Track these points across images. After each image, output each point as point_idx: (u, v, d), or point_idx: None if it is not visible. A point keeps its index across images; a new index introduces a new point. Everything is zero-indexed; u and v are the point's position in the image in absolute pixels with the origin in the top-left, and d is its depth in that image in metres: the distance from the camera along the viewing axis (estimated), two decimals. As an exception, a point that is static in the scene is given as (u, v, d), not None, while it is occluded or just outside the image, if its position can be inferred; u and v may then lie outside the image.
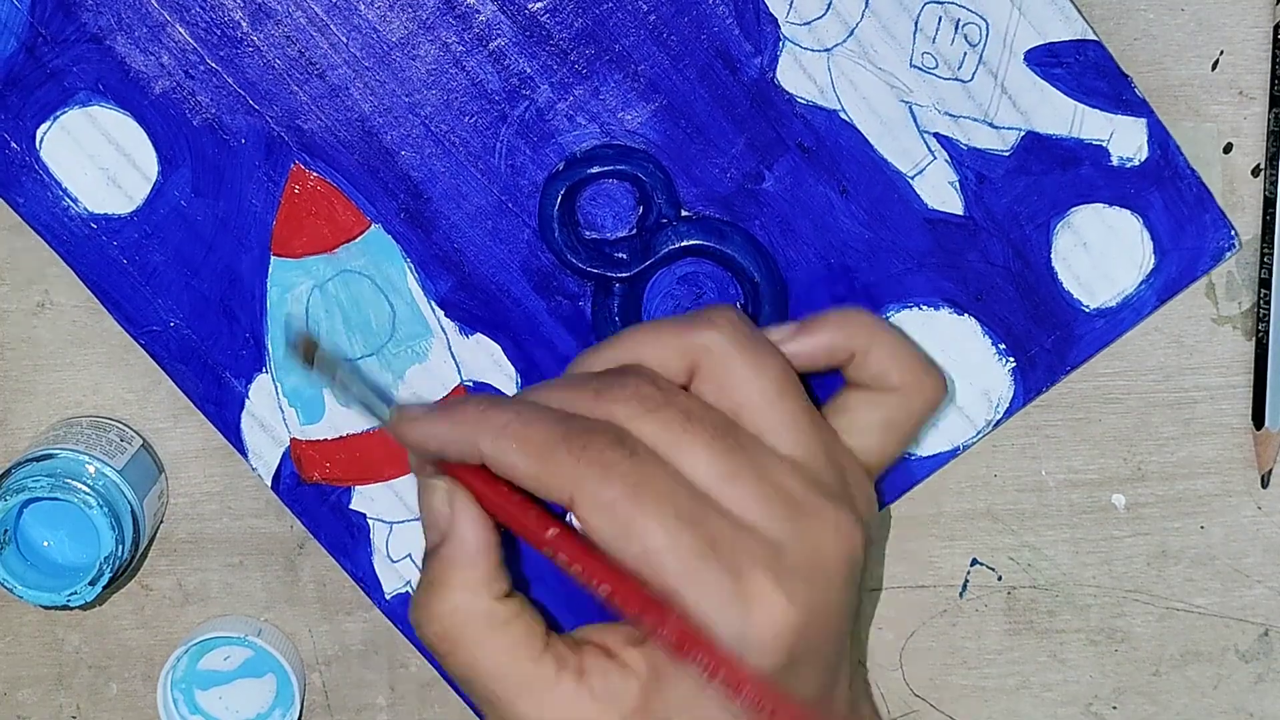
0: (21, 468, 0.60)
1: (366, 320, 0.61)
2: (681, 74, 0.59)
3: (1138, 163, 0.60)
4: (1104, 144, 0.60)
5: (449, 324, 0.61)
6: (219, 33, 0.59)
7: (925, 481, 0.63)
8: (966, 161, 0.60)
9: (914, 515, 0.64)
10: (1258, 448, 0.63)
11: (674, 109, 0.60)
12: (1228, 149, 0.62)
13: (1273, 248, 0.61)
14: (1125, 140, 0.60)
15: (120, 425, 0.63)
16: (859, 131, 0.60)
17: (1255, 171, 0.62)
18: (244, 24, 0.59)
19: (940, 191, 0.60)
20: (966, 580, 0.65)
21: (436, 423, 0.51)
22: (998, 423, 0.62)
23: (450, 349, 0.61)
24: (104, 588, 0.60)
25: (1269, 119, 0.61)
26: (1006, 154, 0.60)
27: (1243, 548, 0.64)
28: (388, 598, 0.63)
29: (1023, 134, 0.60)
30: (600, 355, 0.54)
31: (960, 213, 0.60)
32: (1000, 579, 0.65)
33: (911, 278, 0.61)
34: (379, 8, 0.59)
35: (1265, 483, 0.64)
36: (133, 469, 0.61)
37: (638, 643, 0.52)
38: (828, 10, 0.59)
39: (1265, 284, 0.62)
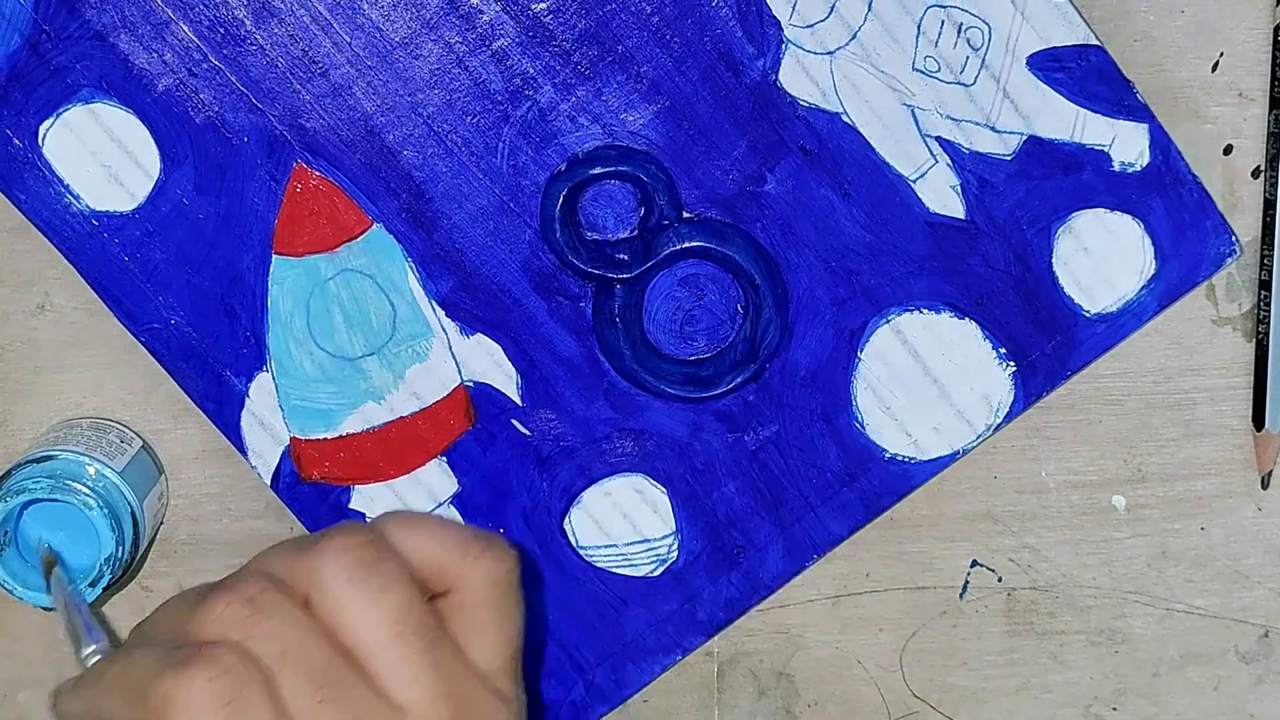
0: (22, 469, 0.60)
1: (367, 319, 0.61)
2: (684, 76, 0.59)
3: (1139, 168, 0.60)
4: (1105, 149, 0.60)
5: (450, 324, 0.61)
6: (222, 31, 0.59)
7: (925, 483, 0.63)
8: (968, 165, 0.60)
9: (914, 516, 0.64)
10: (1258, 449, 0.63)
11: (676, 110, 0.60)
12: (1228, 151, 0.62)
13: (1273, 250, 0.61)
14: (1127, 145, 0.60)
15: (120, 427, 0.63)
16: (861, 134, 0.60)
17: (1255, 173, 0.62)
18: (247, 22, 0.59)
19: (942, 195, 0.60)
20: (966, 581, 0.65)
21: (70, 702, 0.50)
22: (998, 427, 0.62)
23: (451, 349, 0.61)
24: (104, 589, 0.60)
25: (1269, 121, 0.61)
26: (1008, 158, 0.60)
27: (1243, 549, 0.64)
28: None
29: (1024, 138, 0.60)
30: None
31: (962, 216, 0.60)
32: (1000, 580, 0.65)
33: (913, 281, 0.61)
34: (382, 7, 0.59)
35: (1265, 484, 0.64)
36: (133, 470, 0.61)
37: None
38: (831, 13, 0.59)
39: (1265, 286, 0.62)
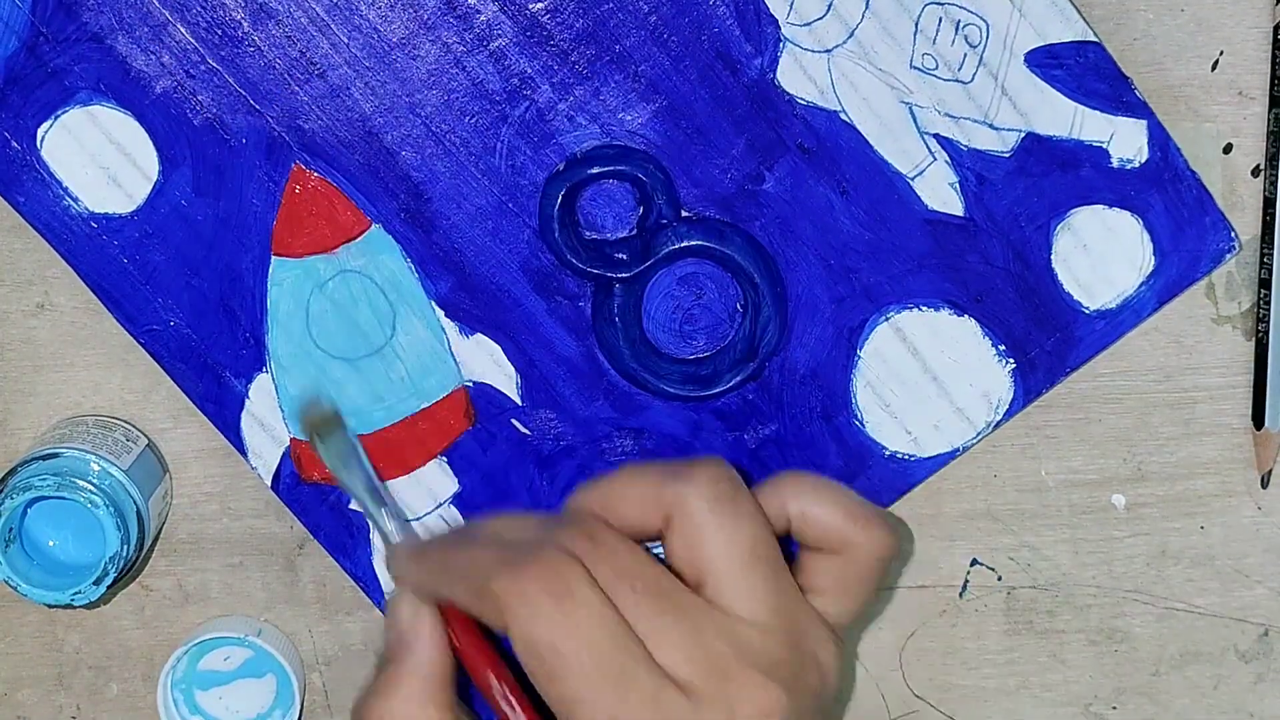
0: (27, 466, 0.60)
1: (366, 320, 0.61)
2: (682, 75, 0.59)
3: (1138, 164, 0.60)
4: (1104, 145, 0.60)
5: (449, 324, 0.61)
6: (220, 32, 0.59)
7: (925, 482, 0.63)
8: (966, 163, 0.60)
9: (914, 515, 0.64)
10: (1257, 448, 0.63)
11: (674, 110, 0.60)
12: (1228, 149, 0.62)
13: (1272, 248, 0.61)
14: (1125, 142, 0.60)
15: (126, 425, 0.63)
16: (859, 132, 0.60)
17: (1255, 172, 0.62)
18: (245, 24, 0.59)
19: (940, 193, 0.60)
20: (966, 580, 0.65)
21: (412, 563, 0.55)
22: (997, 424, 0.62)
23: (450, 349, 0.61)
24: (109, 587, 0.60)
25: (1269, 119, 0.61)
26: (1007, 155, 0.60)
27: (1243, 548, 0.64)
28: (388, 597, 0.63)
29: (1023, 135, 0.60)
30: (583, 496, 0.54)
31: (960, 214, 0.60)
32: (1000, 579, 0.65)
33: (912, 278, 0.61)
34: (380, 8, 0.59)
35: (1265, 483, 0.64)
36: (138, 469, 0.61)
37: None
38: (828, 11, 0.59)
39: (1265, 284, 0.62)
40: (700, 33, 0.59)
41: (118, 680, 0.66)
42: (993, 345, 0.61)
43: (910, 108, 0.60)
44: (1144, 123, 0.60)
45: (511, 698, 0.52)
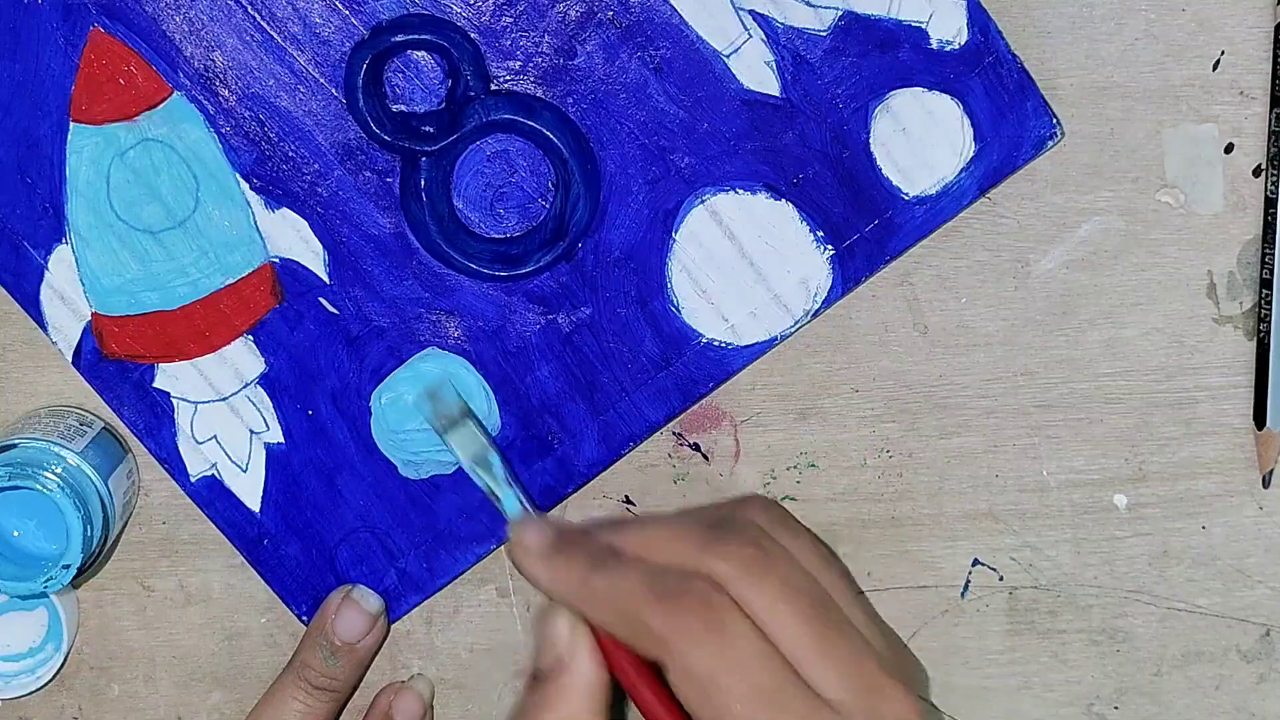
0: None
1: (170, 191, 0.60)
2: (492, -56, 0.58)
3: (957, 46, 0.59)
4: (923, 26, 0.59)
5: (255, 197, 0.60)
6: (17, -111, 0.57)
7: (926, 481, 0.62)
8: (783, 40, 0.59)
9: (915, 515, 0.63)
10: (1259, 448, 0.62)
11: (484, -21, 0.58)
12: (1229, 149, 0.61)
13: (1274, 248, 0.60)
14: (944, 22, 0.58)
15: (79, 410, 0.62)
16: (673, 6, 0.58)
17: (1256, 172, 0.61)
18: (42, -120, 0.57)
19: (756, 71, 0.59)
20: (968, 580, 0.64)
21: (547, 571, 0.54)
22: (816, 312, 0.61)
23: (255, 223, 0.60)
24: (80, 570, 0.59)
25: (1270, 119, 0.60)
26: (824, 34, 0.59)
27: (1244, 548, 0.64)
28: (193, 480, 0.62)
29: (840, 13, 0.59)
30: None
31: (777, 94, 0.59)
32: (1002, 579, 0.64)
33: (728, 160, 0.60)
34: None
35: (1267, 483, 0.63)
36: (94, 451, 0.60)
37: None
38: (641, -120, 0.57)
39: (1266, 284, 0.61)
40: (512, -99, 0.58)
41: (119, 681, 0.65)
42: (811, 231, 0.60)
43: (727, -16, 0.58)
44: (963, 3, 0.58)
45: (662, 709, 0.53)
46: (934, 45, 0.59)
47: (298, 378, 0.61)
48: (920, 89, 0.59)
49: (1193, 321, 0.62)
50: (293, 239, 0.60)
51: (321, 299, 0.61)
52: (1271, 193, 0.60)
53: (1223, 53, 0.61)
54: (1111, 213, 0.62)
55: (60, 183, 0.59)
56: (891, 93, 0.59)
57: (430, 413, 0.59)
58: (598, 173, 0.59)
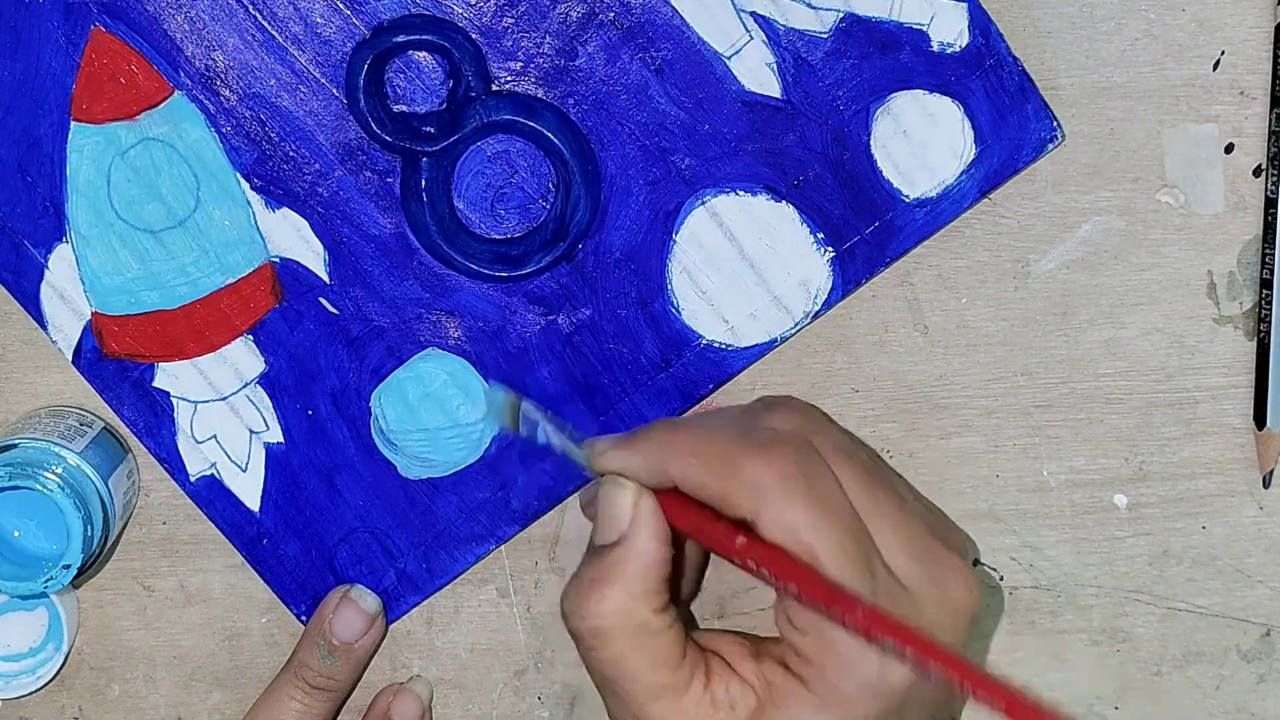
0: None
1: (170, 190, 0.60)
2: (494, -56, 0.58)
3: (958, 48, 0.59)
4: (924, 28, 0.59)
5: (255, 197, 0.60)
6: (18, -112, 0.57)
7: (926, 481, 0.62)
8: (784, 42, 0.59)
9: None
10: (1259, 448, 0.62)
11: (485, -20, 0.58)
12: (1229, 149, 0.61)
13: (1274, 248, 0.60)
14: (946, 25, 0.58)
15: (80, 411, 0.62)
16: (674, 7, 0.58)
17: (1256, 172, 0.61)
18: (43, -121, 0.57)
19: (758, 73, 0.59)
20: None
21: (626, 452, 0.53)
22: (816, 314, 0.61)
23: (256, 223, 0.60)
24: (81, 570, 0.59)
25: (1270, 119, 0.60)
26: (825, 35, 0.59)
27: (1245, 548, 0.64)
28: (192, 480, 0.62)
29: (841, 15, 0.58)
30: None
31: (778, 96, 0.59)
32: (1002, 579, 0.64)
33: (729, 162, 0.60)
34: None
35: (1267, 483, 0.63)
36: (94, 451, 0.60)
37: (755, 658, 0.53)
38: (643, -119, 0.57)
39: (1267, 284, 0.61)
40: (513, -98, 0.58)
41: (119, 681, 0.65)
42: (811, 233, 0.60)
43: (728, -15, 0.58)
44: (964, 5, 0.58)
45: (761, 548, 0.51)
46: (935, 47, 0.59)
47: (297, 377, 0.61)
48: (921, 91, 0.59)
49: (1193, 321, 0.62)
50: (293, 239, 0.60)
51: (322, 299, 0.61)
52: (1271, 193, 0.60)
53: (1223, 53, 0.61)
54: (1111, 213, 0.62)
55: (61, 182, 0.59)
56: (892, 95, 0.59)
57: (507, 423, 0.58)
58: (598, 174, 0.59)
